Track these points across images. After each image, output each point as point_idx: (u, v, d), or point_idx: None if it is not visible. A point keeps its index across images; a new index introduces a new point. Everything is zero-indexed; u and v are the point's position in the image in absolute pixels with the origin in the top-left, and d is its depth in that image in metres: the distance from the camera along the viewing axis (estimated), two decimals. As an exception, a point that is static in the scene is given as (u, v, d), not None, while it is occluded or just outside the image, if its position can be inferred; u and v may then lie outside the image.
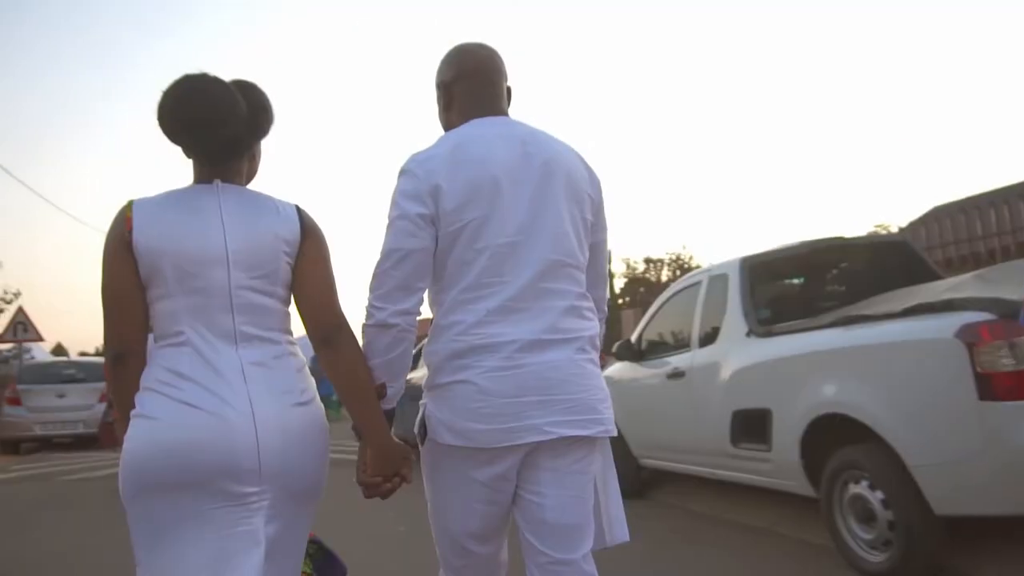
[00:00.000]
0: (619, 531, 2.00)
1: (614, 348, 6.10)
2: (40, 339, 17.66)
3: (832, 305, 4.69)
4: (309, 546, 1.85)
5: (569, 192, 1.88)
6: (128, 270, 1.65)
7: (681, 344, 5.27)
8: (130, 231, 1.64)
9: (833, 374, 3.66)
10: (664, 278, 25.47)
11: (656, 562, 4.02)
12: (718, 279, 4.92)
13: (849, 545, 3.58)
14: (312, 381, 1.78)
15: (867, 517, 3.48)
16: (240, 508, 1.59)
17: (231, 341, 1.65)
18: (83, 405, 12.36)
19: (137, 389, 1.64)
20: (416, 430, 1.90)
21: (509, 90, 2.01)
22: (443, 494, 1.89)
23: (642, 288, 25.44)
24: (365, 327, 1.81)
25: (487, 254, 1.79)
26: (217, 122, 1.67)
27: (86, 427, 12.32)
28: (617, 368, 6.16)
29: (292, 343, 1.77)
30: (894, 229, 9.67)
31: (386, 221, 1.83)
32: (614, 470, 2.03)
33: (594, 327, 1.92)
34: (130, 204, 1.68)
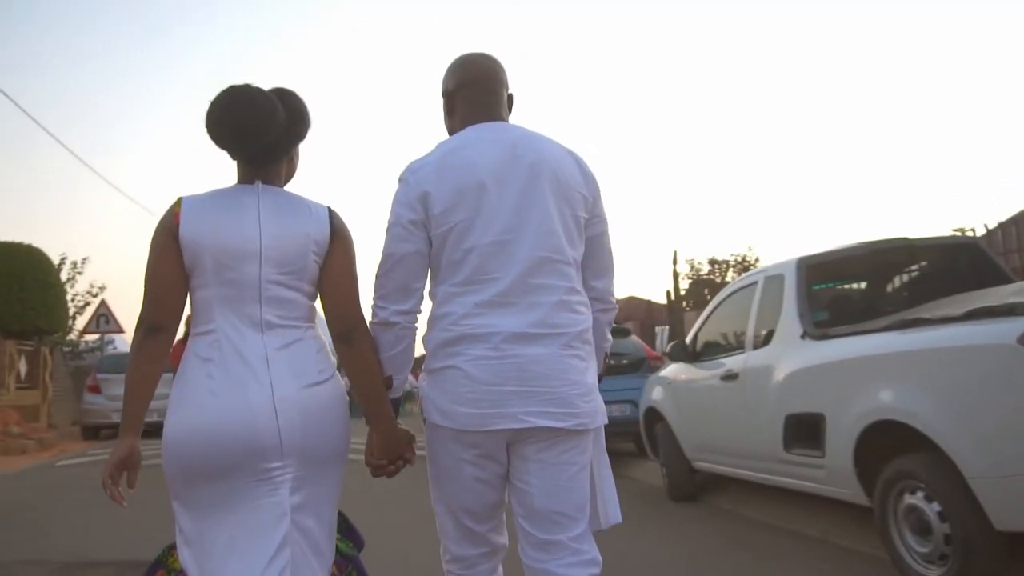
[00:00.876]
0: (612, 513, 2.08)
1: (667, 348, 6.02)
2: (121, 330, 18.41)
3: (894, 309, 4.51)
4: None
5: (557, 191, 1.96)
6: (174, 258, 1.81)
7: (736, 345, 5.17)
8: (178, 225, 1.81)
9: (888, 379, 3.52)
10: (729, 280, 25.00)
11: (705, 568, 3.96)
12: (774, 280, 4.80)
13: (904, 558, 3.44)
14: (331, 359, 1.92)
15: (923, 529, 3.33)
16: (266, 482, 1.75)
17: (258, 329, 1.81)
18: (159, 394, 12.68)
19: (161, 365, 1.83)
20: (420, 411, 2.06)
21: (511, 97, 2.14)
22: (439, 470, 2.02)
23: (706, 290, 25.00)
24: (371, 325, 1.97)
25: (475, 253, 1.91)
26: (260, 130, 1.82)
27: (160, 416, 12.72)
28: (672, 369, 6.08)
29: (313, 327, 1.91)
30: (976, 233, 9.21)
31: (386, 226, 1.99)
32: (606, 456, 2.12)
33: (584, 321, 1.98)
34: (179, 200, 1.85)
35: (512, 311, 1.89)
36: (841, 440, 3.78)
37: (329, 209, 1.94)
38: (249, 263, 1.81)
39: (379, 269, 1.97)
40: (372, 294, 1.98)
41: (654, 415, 6.29)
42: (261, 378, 1.76)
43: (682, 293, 20.33)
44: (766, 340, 4.69)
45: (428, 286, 2.03)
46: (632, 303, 25.18)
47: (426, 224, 1.93)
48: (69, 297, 22.00)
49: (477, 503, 1.99)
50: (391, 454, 1.97)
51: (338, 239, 1.91)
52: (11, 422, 12.81)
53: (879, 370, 3.61)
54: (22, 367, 17.69)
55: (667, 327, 16.46)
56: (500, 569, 2.12)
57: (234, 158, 1.94)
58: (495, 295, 1.89)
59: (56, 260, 20.20)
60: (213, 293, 1.81)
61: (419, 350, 2.10)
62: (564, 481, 1.94)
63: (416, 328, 2.00)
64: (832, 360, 3.97)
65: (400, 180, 1.99)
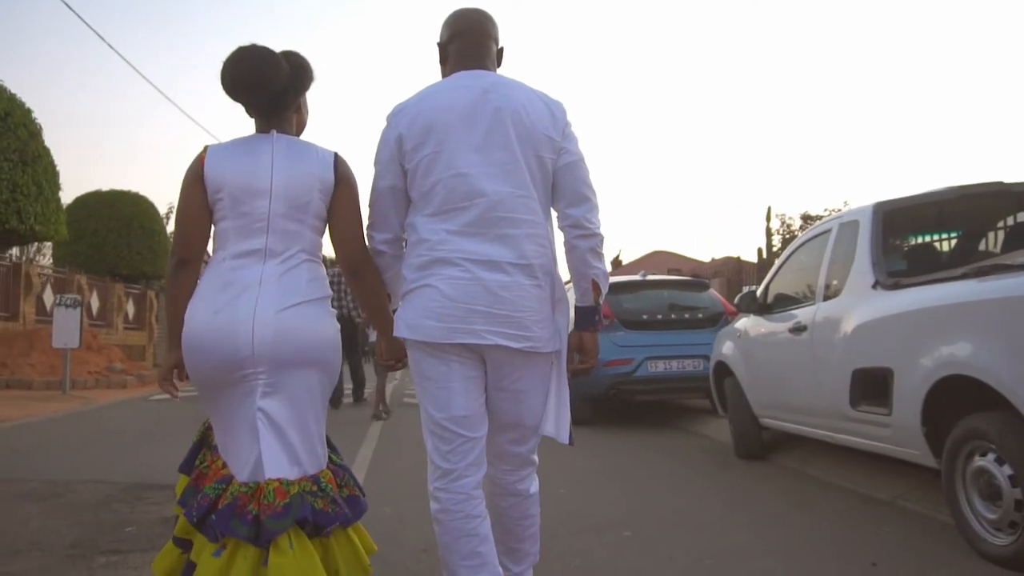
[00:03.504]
0: (562, 432, 2.29)
1: (736, 300, 5.75)
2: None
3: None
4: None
5: (521, 134, 2.13)
6: (200, 198, 2.10)
7: (807, 297, 4.87)
8: (203, 168, 2.09)
9: (960, 331, 3.21)
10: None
11: (762, 527, 3.78)
12: (848, 226, 4.47)
13: (971, 524, 3.19)
14: (319, 286, 2.14)
15: (992, 494, 3.07)
16: (243, 384, 2.03)
17: (261, 257, 2.07)
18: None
19: (190, 290, 2.11)
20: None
21: (501, 50, 2.34)
22: (425, 384, 2.21)
23: (799, 247, 23.94)
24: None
25: (440, 185, 2.11)
26: (266, 81, 2.08)
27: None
28: (743, 322, 5.83)
29: (312, 260, 2.15)
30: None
31: None
32: (566, 382, 2.32)
33: (546, 254, 2.17)
34: (205, 148, 2.13)
35: (481, 240, 2.09)
36: (909, 397, 3.51)
37: (335, 155, 2.18)
38: (261, 199, 2.07)
39: (368, 201, 2.25)
40: (366, 222, 2.25)
41: (723, 369, 6.06)
42: (250, 300, 2.03)
43: (774, 250, 19.59)
44: (837, 291, 4.40)
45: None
46: (726, 263, 24.54)
47: (401, 160, 2.15)
48: (175, 244, 23.06)
49: (467, 406, 2.17)
50: (395, 355, 2.34)
51: (343, 184, 2.16)
52: (115, 359, 13.59)
53: (951, 321, 3.31)
54: (130, 309, 18.75)
55: (755, 285, 15.92)
56: (482, 492, 2.22)
57: (249, 112, 2.19)
58: (464, 225, 2.10)
59: (163, 210, 21.18)
60: (229, 224, 2.09)
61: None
62: (525, 402, 2.23)
63: (402, 251, 2.24)
64: (902, 311, 3.67)
65: (386, 119, 2.22)
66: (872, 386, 3.85)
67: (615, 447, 6.60)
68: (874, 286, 4.00)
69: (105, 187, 19.23)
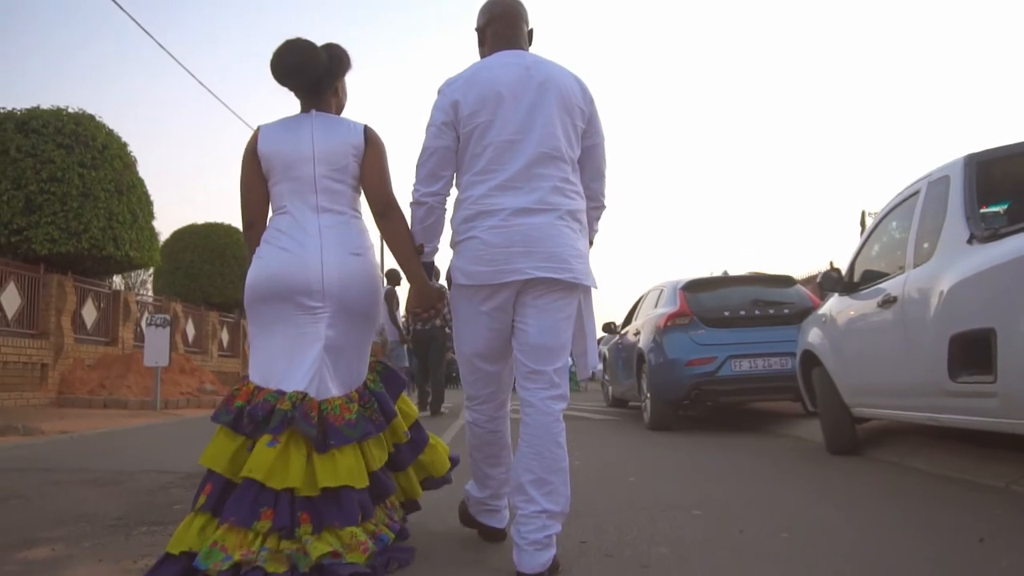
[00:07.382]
0: (592, 362, 2.61)
1: (818, 279, 5.35)
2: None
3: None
4: (377, 364, 2.61)
5: (561, 104, 2.46)
6: (256, 169, 2.53)
7: (896, 266, 4.46)
8: (256, 144, 2.51)
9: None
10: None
11: (853, 508, 3.44)
12: (938, 184, 4.07)
13: (1095, 495, 2.77)
14: (367, 239, 2.57)
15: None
16: (309, 316, 2.41)
17: (315, 211, 2.48)
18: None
19: (259, 245, 2.50)
20: (445, 279, 2.59)
21: (531, 32, 2.68)
22: (460, 324, 2.58)
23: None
24: (409, 204, 2.52)
25: (491, 148, 2.41)
26: (304, 67, 2.49)
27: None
28: (830, 304, 5.43)
29: (356, 215, 2.57)
30: None
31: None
32: (594, 319, 2.63)
33: (574, 203, 2.47)
34: (259, 128, 2.55)
35: (517, 193, 2.38)
36: (1016, 358, 3.11)
37: (365, 125, 2.56)
38: (306, 165, 2.46)
39: (418, 160, 2.48)
40: (413, 179, 2.49)
41: (810, 359, 5.65)
42: (315, 244, 2.42)
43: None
44: (928, 254, 3.99)
45: (455, 177, 2.52)
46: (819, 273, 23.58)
47: (456, 125, 2.44)
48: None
49: (488, 348, 2.54)
50: (425, 304, 2.61)
51: (370, 144, 2.54)
52: (206, 380, 13.97)
53: (1061, 262, 2.91)
54: (224, 337, 19.35)
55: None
56: (506, 413, 2.67)
57: (296, 94, 2.58)
58: (504, 180, 2.39)
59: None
60: (284, 187, 2.49)
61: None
62: (553, 323, 2.42)
63: (444, 207, 2.52)
64: (1003, 261, 3.26)
65: (438, 91, 2.51)
66: (973, 352, 3.44)
67: (694, 443, 6.26)
68: (969, 241, 3.60)
69: (201, 220, 20.00)
